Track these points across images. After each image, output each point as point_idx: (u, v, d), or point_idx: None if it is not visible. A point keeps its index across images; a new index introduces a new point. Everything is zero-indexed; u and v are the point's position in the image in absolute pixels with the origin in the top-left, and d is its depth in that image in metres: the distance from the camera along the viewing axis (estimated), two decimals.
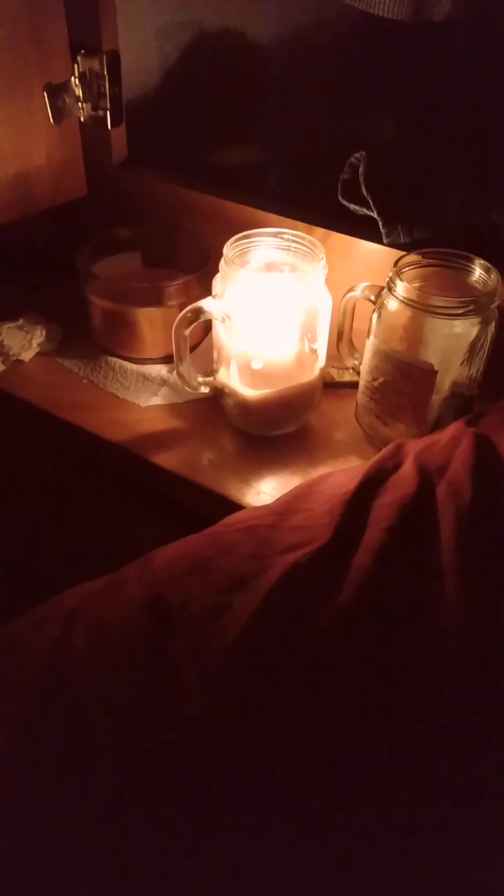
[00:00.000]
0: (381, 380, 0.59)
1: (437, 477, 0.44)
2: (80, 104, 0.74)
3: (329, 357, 0.65)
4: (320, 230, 0.71)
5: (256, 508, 0.49)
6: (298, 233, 0.61)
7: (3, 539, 0.82)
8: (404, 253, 0.58)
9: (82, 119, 0.76)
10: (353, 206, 0.71)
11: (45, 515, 0.80)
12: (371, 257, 0.71)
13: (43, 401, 0.68)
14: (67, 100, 0.73)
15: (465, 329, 0.55)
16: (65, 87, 0.72)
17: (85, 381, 0.71)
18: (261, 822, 0.31)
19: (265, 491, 0.60)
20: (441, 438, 0.49)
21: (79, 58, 0.72)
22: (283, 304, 0.60)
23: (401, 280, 0.55)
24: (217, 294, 0.60)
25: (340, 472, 0.51)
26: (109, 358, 0.74)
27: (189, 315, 0.60)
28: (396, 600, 0.37)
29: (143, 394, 0.70)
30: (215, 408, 0.67)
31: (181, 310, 0.60)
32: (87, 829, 0.31)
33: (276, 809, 0.31)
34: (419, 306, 0.55)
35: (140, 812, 0.32)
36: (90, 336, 0.75)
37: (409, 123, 0.72)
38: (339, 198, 0.72)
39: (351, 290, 0.61)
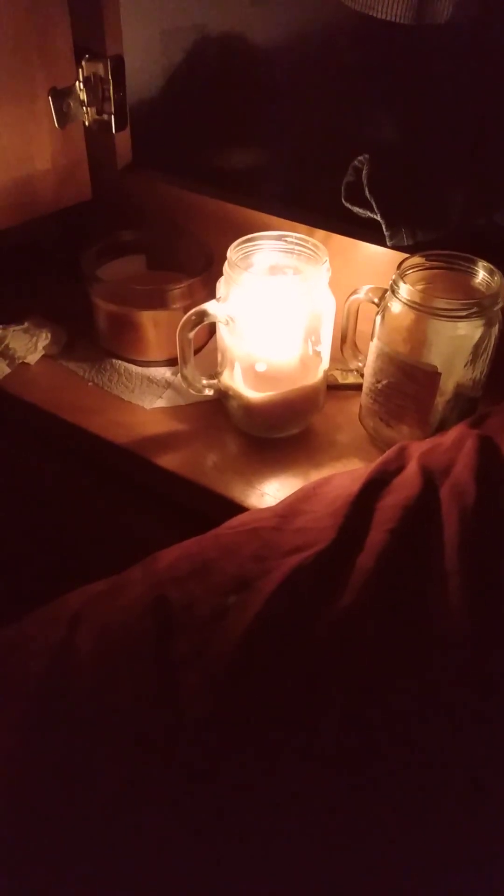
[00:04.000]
0: (384, 382, 0.59)
1: (440, 479, 0.44)
2: (84, 108, 0.75)
3: (333, 359, 0.65)
4: (322, 232, 0.72)
5: (260, 511, 0.49)
6: (302, 236, 0.61)
7: (6, 540, 0.83)
8: (407, 255, 0.59)
9: (87, 123, 0.76)
10: (356, 209, 0.71)
11: (48, 517, 0.80)
12: (374, 260, 0.71)
13: (48, 403, 0.69)
14: (72, 104, 0.73)
15: (468, 331, 0.55)
16: (69, 91, 0.72)
17: (90, 383, 0.72)
18: (262, 824, 0.31)
19: (269, 493, 0.60)
20: (445, 440, 0.49)
21: (83, 62, 0.72)
22: (286, 306, 0.60)
23: (404, 282, 0.55)
24: (221, 297, 0.60)
25: (344, 475, 0.51)
26: (114, 361, 0.74)
27: (193, 318, 0.60)
28: (400, 603, 0.37)
29: (148, 396, 0.70)
30: (219, 410, 0.67)
31: (185, 313, 0.60)
32: (90, 830, 0.31)
33: (277, 811, 0.31)
34: (422, 308, 0.55)
35: (142, 813, 0.32)
36: (95, 339, 0.76)
37: (413, 126, 0.72)
38: (343, 200, 0.72)
39: (354, 292, 0.62)
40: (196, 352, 0.67)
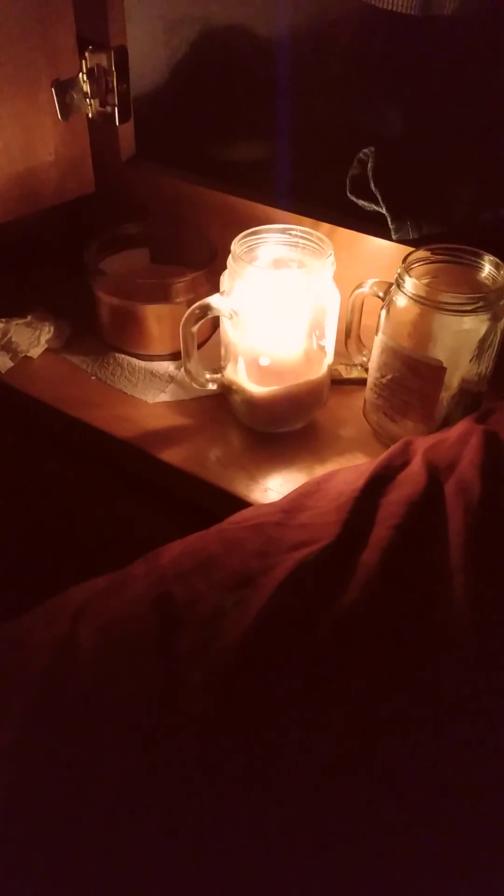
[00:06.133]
0: (389, 377, 0.59)
1: (445, 474, 0.44)
2: (87, 100, 0.74)
3: (337, 354, 0.65)
4: (326, 226, 0.71)
5: (264, 506, 0.49)
6: (306, 229, 0.61)
7: (9, 535, 0.83)
8: (413, 249, 0.58)
9: (90, 115, 0.76)
10: (361, 202, 0.71)
11: (51, 511, 0.80)
12: (379, 253, 0.70)
13: (51, 397, 0.69)
14: (75, 96, 0.73)
15: (474, 325, 0.55)
16: (73, 83, 0.72)
17: (93, 377, 0.71)
18: (263, 821, 0.31)
19: (272, 488, 0.60)
20: (450, 436, 0.49)
21: (87, 53, 0.72)
22: (291, 300, 0.59)
23: (409, 276, 0.55)
24: (225, 290, 0.60)
25: (348, 470, 0.51)
26: (117, 354, 0.74)
27: (197, 312, 0.59)
28: (404, 599, 0.37)
29: (151, 390, 0.70)
30: (223, 405, 0.67)
31: (189, 306, 0.60)
32: (91, 826, 0.31)
33: (279, 808, 0.31)
34: (428, 302, 0.54)
35: (144, 810, 0.32)
36: (98, 333, 0.76)
37: (419, 118, 0.72)
38: (348, 193, 0.72)
39: (359, 286, 0.61)
40: (199, 346, 0.66)
